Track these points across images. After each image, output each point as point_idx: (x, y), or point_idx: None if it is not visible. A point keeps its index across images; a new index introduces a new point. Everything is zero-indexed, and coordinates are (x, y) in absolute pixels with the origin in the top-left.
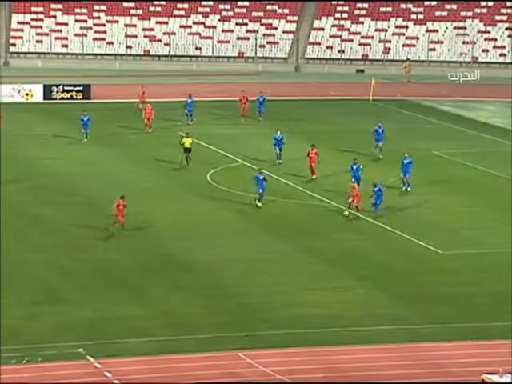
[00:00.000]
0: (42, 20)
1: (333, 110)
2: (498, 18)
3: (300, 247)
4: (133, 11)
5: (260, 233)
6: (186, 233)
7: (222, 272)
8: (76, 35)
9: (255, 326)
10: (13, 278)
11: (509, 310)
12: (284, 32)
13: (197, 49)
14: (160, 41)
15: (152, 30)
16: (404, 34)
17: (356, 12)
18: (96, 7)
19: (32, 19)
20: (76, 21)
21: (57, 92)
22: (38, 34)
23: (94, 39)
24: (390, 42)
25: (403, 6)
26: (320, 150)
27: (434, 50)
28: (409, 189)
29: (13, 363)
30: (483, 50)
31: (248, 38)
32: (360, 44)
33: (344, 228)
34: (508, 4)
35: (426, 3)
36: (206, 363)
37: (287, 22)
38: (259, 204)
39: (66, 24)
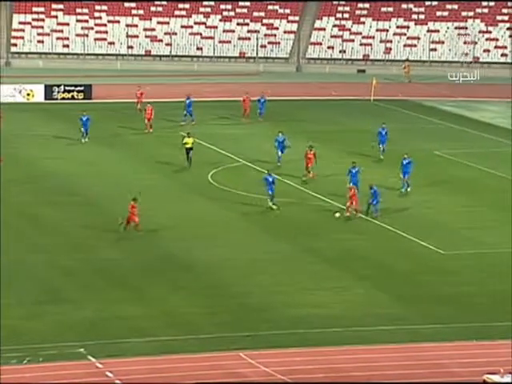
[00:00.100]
0: (43, 20)
1: (334, 110)
2: (499, 18)
3: (300, 247)
4: (134, 11)
5: (261, 233)
6: (187, 233)
7: (223, 272)
8: (77, 35)
9: (256, 326)
10: (13, 278)
11: (509, 309)
12: (285, 32)
13: (198, 49)
14: (161, 41)
15: (153, 30)
16: (405, 34)
17: (357, 12)
18: (97, 7)
19: (33, 19)
20: (77, 21)
21: (58, 92)
22: (39, 34)
23: (96, 39)
24: (391, 42)
25: (404, 6)
26: (321, 149)
27: (435, 50)
28: (409, 189)
29: (14, 363)
30: (484, 50)
31: (249, 38)
32: (361, 44)
33: (344, 228)
34: (509, 4)
35: (427, 3)
36: (207, 363)
37: (288, 22)
38: (273, 206)
39: (68, 24)
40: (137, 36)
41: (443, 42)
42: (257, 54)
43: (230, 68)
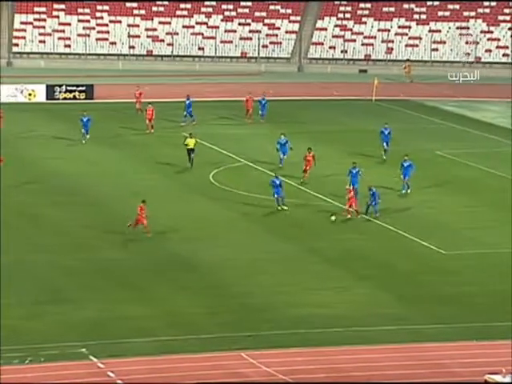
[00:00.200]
0: (44, 20)
1: (335, 110)
2: (500, 18)
3: (302, 247)
4: (136, 11)
5: (262, 233)
6: (189, 233)
7: (225, 272)
8: (79, 35)
9: (258, 326)
10: (15, 278)
11: (510, 310)
12: (287, 32)
13: (199, 49)
14: (163, 41)
15: (155, 30)
16: (407, 34)
17: (359, 12)
18: (99, 7)
19: (35, 19)
20: (79, 21)
21: (59, 92)
22: (40, 34)
23: (97, 39)
24: (392, 42)
25: (406, 6)
26: (323, 150)
27: (436, 50)
28: (409, 191)
29: (15, 363)
30: (486, 50)
31: (251, 38)
32: (363, 44)
33: (346, 228)
34: (511, 4)
35: (429, 3)
36: (208, 363)
37: (290, 22)
38: (284, 207)
39: (69, 24)
40: (138, 36)
41: (445, 42)
42: (258, 54)
43: (232, 68)
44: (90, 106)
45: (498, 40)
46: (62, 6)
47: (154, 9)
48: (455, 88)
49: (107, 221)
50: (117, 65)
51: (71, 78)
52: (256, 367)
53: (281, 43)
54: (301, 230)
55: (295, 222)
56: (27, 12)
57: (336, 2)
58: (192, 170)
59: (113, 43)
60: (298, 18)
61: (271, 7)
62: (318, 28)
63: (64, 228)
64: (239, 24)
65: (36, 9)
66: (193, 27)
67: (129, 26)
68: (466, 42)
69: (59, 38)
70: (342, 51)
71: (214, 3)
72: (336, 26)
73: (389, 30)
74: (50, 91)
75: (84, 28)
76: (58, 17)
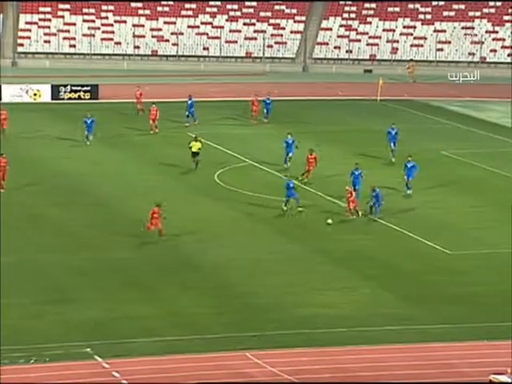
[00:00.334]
0: (49, 20)
1: (340, 110)
2: (506, 18)
3: (308, 247)
4: (141, 11)
5: (267, 233)
6: (194, 233)
7: (230, 272)
8: (84, 35)
9: (263, 326)
10: (21, 278)
11: None
12: (292, 32)
13: (204, 49)
14: (168, 41)
15: (160, 30)
16: (412, 34)
17: (364, 12)
18: (104, 7)
19: (40, 19)
20: (84, 21)
21: (64, 92)
22: (45, 34)
23: (102, 39)
24: (397, 42)
25: (411, 6)
26: (327, 150)
27: (441, 50)
28: (410, 192)
29: (20, 363)
30: (491, 50)
31: (256, 38)
32: (368, 44)
33: (351, 228)
34: None
35: (434, 3)
36: (213, 363)
37: (295, 22)
38: (299, 208)
39: (74, 24)
40: (143, 36)
41: (450, 42)
42: (263, 53)
43: (237, 68)
44: (94, 106)
45: (503, 40)
46: (67, 6)
47: (159, 9)
48: (460, 88)
49: (111, 221)
50: (122, 65)
51: (76, 78)
52: (261, 367)
53: (286, 43)
54: (306, 231)
55: (300, 223)
56: (32, 12)
57: (341, 2)
58: (197, 170)
59: (118, 43)
60: (303, 18)
61: (276, 7)
62: (322, 28)
63: (69, 228)
64: (244, 24)
65: (41, 9)
66: (198, 27)
67: (134, 25)
68: (471, 42)
69: (64, 38)
70: (346, 51)
71: (218, 3)
72: (341, 26)
73: (394, 30)
74: (55, 91)
75: (89, 28)
76: (62, 17)
